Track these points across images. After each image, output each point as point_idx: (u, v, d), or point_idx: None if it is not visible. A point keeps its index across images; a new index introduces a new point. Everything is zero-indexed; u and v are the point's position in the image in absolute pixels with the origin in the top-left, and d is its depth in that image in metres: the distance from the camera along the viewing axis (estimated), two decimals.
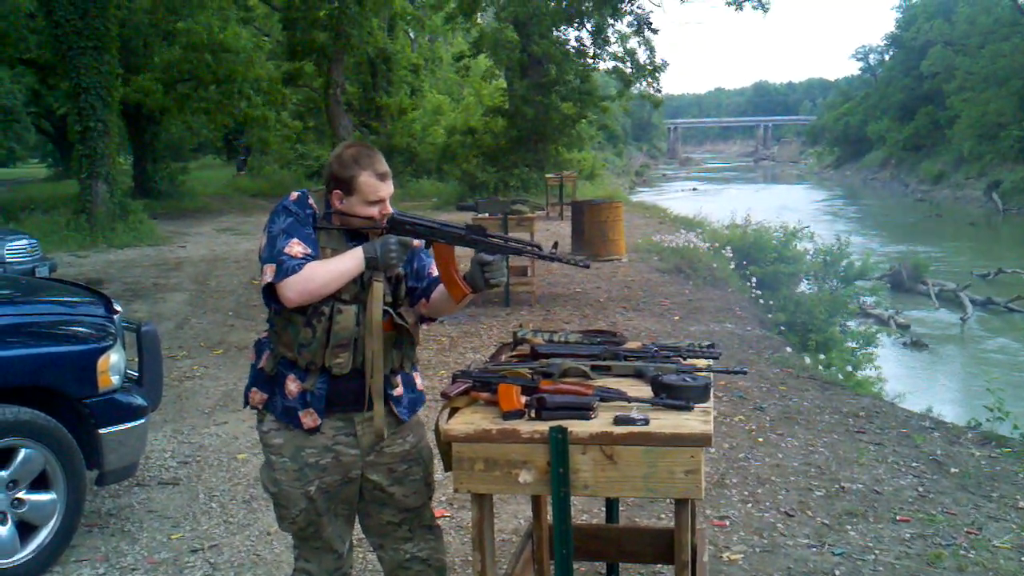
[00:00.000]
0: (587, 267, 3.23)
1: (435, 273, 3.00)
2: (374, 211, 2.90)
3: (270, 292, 2.83)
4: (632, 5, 28.24)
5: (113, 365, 4.56)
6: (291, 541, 3.20)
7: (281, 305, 2.84)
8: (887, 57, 72.50)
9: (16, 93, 34.58)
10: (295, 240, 2.82)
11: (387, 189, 2.92)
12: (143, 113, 27.82)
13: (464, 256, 2.78)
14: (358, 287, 2.89)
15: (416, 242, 2.92)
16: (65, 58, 18.60)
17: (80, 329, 4.67)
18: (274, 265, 2.79)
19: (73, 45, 18.33)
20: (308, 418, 2.94)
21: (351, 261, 2.83)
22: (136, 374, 5.01)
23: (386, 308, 2.92)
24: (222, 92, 26.83)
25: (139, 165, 30.16)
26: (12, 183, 41.48)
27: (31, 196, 28.62)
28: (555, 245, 3.08)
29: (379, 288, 2.88)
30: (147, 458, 5.85)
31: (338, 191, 2.91)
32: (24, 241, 11.51)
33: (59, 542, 4.40)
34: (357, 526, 3.22)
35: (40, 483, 4.34)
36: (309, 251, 2.82)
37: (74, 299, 5.10)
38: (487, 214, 11.43)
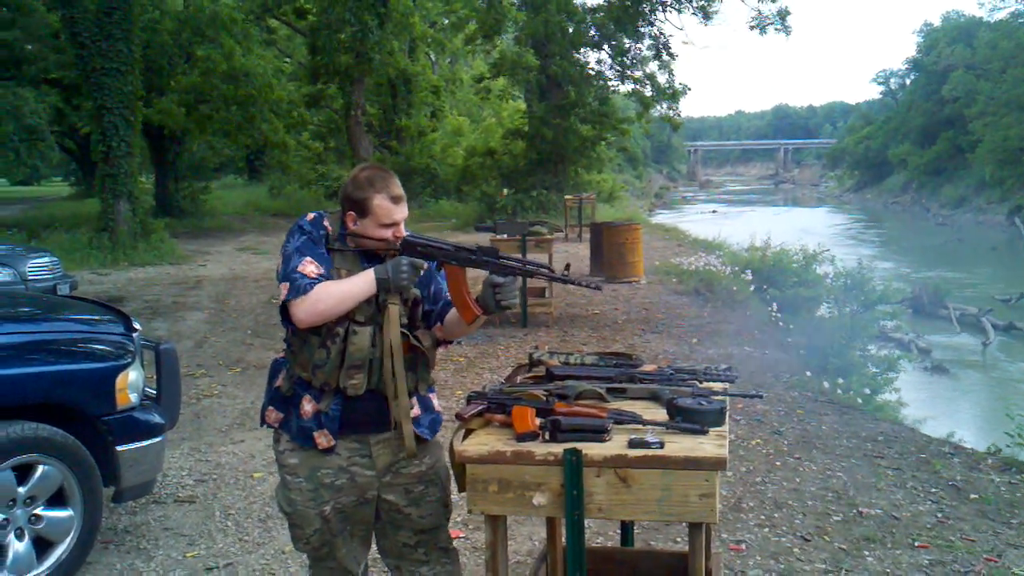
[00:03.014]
0: (599, 289, 3.23)
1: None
2: (388, 234, 2.91)
3: (285, 311, 2.85)
4: (653, 28, 28.36)
5: (131, 383, 4.58)
6: (306, 561, 3.20)
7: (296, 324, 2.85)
8: (908, 81, 72.45)
9: (40, 112, 34.94)
10: (308, 259, 2.83)
11: (401, 213, 2.92)
12: (165, 133, 28.06)
13: (477, 278, 2.79)
14: (373, 308, 2.89)
15: (426, 264, 2.92)
16: (89, 78, 18.83)
17: (99, 347, 4.69)
18: (288, 284, 2.81)
19: (97, 66, 18.57)
20: (322, 439, 2.95)
21: (362, 282, 2.83)
22: (154, 392, 5.03)
23: (402, 330, 2.93)
24: (243, 114, 27.05)
25: (161, 184, 30.44)
26: (35, 201, 41.90)
27: (54, 214, 28.95)
28: (567, 267, 3.08)
29: (395, 310, 2.89)
30: (164, 476, 5.88)
31: (352, 212, 2.92)
32: (46, 259, 11.60)
33: (75, 559, 4.41)
34: (373, 548, 3.22)
35: (57, 500, 4.36)
36: (322, 271, 2.83)
37: (94, 317, 5.13)
38: (506, 235, 11.45)
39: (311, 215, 2.98)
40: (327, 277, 2.84)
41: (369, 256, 2.96)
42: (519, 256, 3.04)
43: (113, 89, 18.71)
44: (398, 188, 2.93)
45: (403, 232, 2.94)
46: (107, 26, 18.46)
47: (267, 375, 3.17)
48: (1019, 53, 49.19)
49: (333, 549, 3.06)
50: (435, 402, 3.19)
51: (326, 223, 2.96)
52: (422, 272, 2.92)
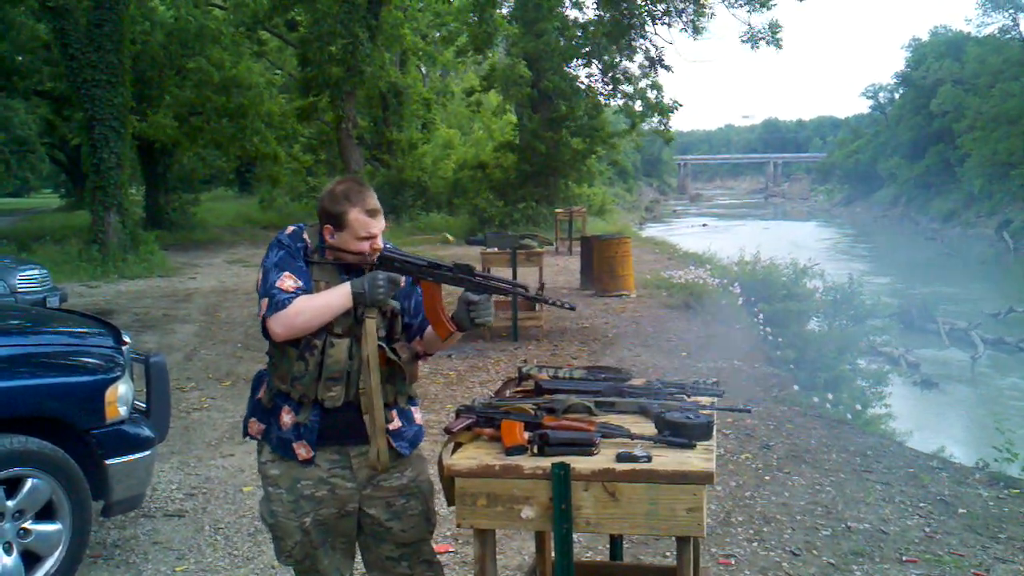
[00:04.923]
0: (573, 309, 3.24)
1: None
2: (365, 246, 2.93)
3: (265, 325, 2.88)
4: (645, 42, 28.48)
5: (121, 396, 4.57)
6: (292, 574, 3.20)
7: None
8: (897, 95, 72.55)
9: (31, 124, 34.94)
10: (287, 274, 2.87)
11: (377, 225, 2.95)
12: (156, 145, 28.05)
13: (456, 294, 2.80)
14: (351, 321, 2.92)
15: (402, 279, 2.95)
16: (79, 90, 18.86)
17: (88, 360, 4.69)
18: (267, 299, 2.84)
19: (87, 78, 18.60)
20: (302, 450, 2.97)
21: (339, 296, 2.86)
22: (144, 405, 5.03)
23: (379, 343, 2.94)
24: (234, 126, 27.06)
25: (151, 196, 30.43)
26: (25, 213, 41.82)
27: (44, 226, 28.90)
28: (542, 286, 3.10)
29: (372, 324, 2.90)
30: (153, 489, 5.86)
31: (329, 226, 2.95)
32: (35, 271, 11.57)
33: (64, 573, 4.38)
34: (359, 560, 3.22)
35: (46, 513, 4.35)
36: (300, 284, 2.87)
37: (83, 330, 5.13)
38: (496, 248, 11.44)
39: (290, 228, 3.03)
40: (306, 291, 2.87)
41: (348, 268, 2.99)
42: (495, 274, 3.05)
43: (103, 101, 18.73)
44: (374, 201, 2.96)
45: (380, 244, 2.97)
46: (98, 38, 18.50)
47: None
48: (1007, 68, 49.48)
49: (315, 562, 3.07)
50: (417, 415, 3.19)
51: (305, 236, 3.00)
52: (399, 286, 2.94)
